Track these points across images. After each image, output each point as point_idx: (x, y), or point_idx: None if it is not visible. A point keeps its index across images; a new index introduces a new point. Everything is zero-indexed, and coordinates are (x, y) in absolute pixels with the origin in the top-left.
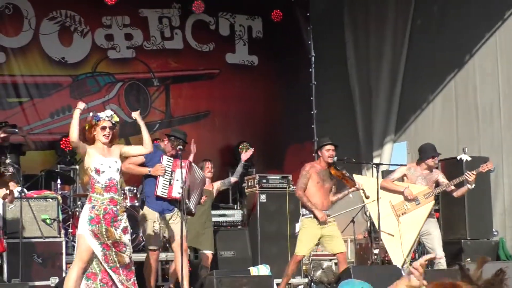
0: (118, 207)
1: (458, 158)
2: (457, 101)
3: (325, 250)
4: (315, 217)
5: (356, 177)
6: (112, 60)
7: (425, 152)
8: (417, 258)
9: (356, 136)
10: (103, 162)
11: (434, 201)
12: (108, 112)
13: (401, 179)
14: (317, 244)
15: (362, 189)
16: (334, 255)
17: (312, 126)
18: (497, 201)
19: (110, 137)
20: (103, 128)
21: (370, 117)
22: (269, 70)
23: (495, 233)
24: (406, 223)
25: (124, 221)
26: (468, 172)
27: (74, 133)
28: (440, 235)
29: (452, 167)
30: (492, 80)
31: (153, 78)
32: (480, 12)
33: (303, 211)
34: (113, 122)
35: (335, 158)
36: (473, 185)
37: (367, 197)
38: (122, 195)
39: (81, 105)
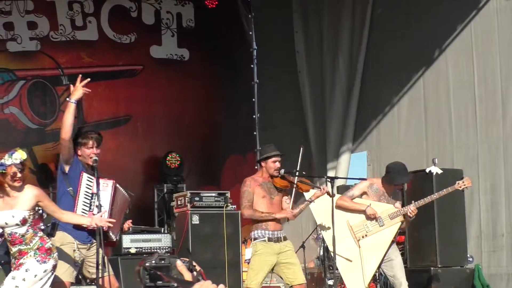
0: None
1: (427, 170)
2: (426, 104)
3: (271, 282)
4: (270, 239)
5: (307, 195)
6: (12, 54)
7: (394, 176)
8: None
9: (307, 145)
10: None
11: (400, 222)
12: (15, 156)
13: (360, 196)
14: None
15: (328, 192)
16: (291, 287)
17: (254, 133)
18: (472, 222)
19: (22, 180)
20: (14, 175)
21: (324, 123)
22: (202, 66)
23: (470, 259)
24: (367, 247)
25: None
26: (410, 206)
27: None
28: (402, 261)
29: (421, 182)
30: (466, 79)
31: (62, 76)
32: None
33: (254, 233)
34: (22, 162)
35: (282, 171)
36: (412, 217)
37: (332, 196)
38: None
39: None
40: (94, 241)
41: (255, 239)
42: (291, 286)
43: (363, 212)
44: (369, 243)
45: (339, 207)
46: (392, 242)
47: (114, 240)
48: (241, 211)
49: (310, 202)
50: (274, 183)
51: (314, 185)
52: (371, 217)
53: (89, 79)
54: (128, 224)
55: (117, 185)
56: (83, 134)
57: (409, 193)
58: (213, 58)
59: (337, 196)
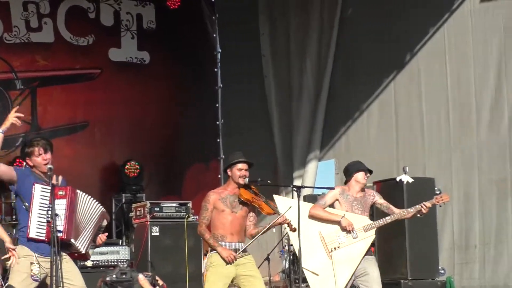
0: None
1: (398, 179)
2: (397, 110)
3: None
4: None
5: (278, 198)
6: None
7: (351, 167)
8: None
9: (272, 152)
10: None
11: (374, 235)
12: None
13: (332, 205)
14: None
15: (288, 223)
16: None
17: (218, 140)
18: (444, 233)
19: None
20: None
21: (290, 129)
22: (164, 70)
23: (442, 271)
24: (339, 259)
25: None
26: (424, 204)
27: None
28: (379, 276)
29: (390, 191)
30: (439, 83)
31: (16, 80)
32: (424, 2)
33: None
34: None
35: (247, 179)
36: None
37: (292, 230)
38: None
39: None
40: (62, 253)
41: (211, 250)
42: None
43: (337, 223)
44: (342, 256)
45: (312, 216)
46: (368, 254)
47: (83, 252)
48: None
49: (269, 228)
50: (239, 195)
51: (276, 211)
52: (346, 229)
53: (22, 115)
54: (101, 239)
55: (80, 192)
56: (29, 143)
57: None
58: (175, 62)
59: (309, 205)
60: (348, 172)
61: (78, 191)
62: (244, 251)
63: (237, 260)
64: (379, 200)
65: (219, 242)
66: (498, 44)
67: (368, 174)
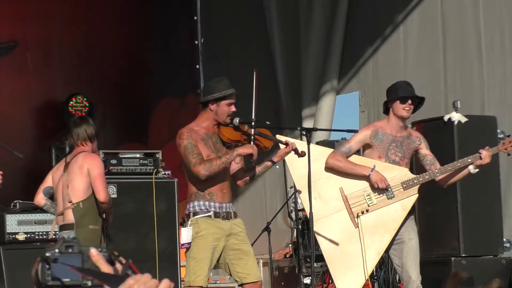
0: None
1: (446, 118)
2: (444, 25)
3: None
4: (217, 215)
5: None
6: None
7: (390, 92)
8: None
9: (273, 83)
10: None
11: (417, 195)
12: None
13: (361, 151)
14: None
15: (295, 149)
16: (241, 286)
17: (197, 66)
18: (511, 194)
19: None
20: None
21: (298, 51)
22: None
23: (507, 245)
24: (368, 227)
25: None
26: (482, 151)
27: None
28: (418, 246)
29: (436, 134)
30: None
31: None
32: None
33: (194, 206)
34: None
35: (237, 120)
36: (477, 170)
37: (301, 155)
38: None
39: None
40: None
41: (195, 214)
42: (241, 285)
43: (365, 177)
44: (372, 222)
45: (330, 168)
46: (405, 220)
47: None
48: (194, 172)
49: (273, 164)
50: (220, 135)
51: (276, 139)
52: (377, 186)
53: None
54: None
55: None
56: None
57: None
58: None
59: (326, 151)
60: (387, 98)
61: None
62: (235, 215)
63: (229, 227)
64: (424, 149)
65: (209, 202)
66: None
67: (411, 104)
